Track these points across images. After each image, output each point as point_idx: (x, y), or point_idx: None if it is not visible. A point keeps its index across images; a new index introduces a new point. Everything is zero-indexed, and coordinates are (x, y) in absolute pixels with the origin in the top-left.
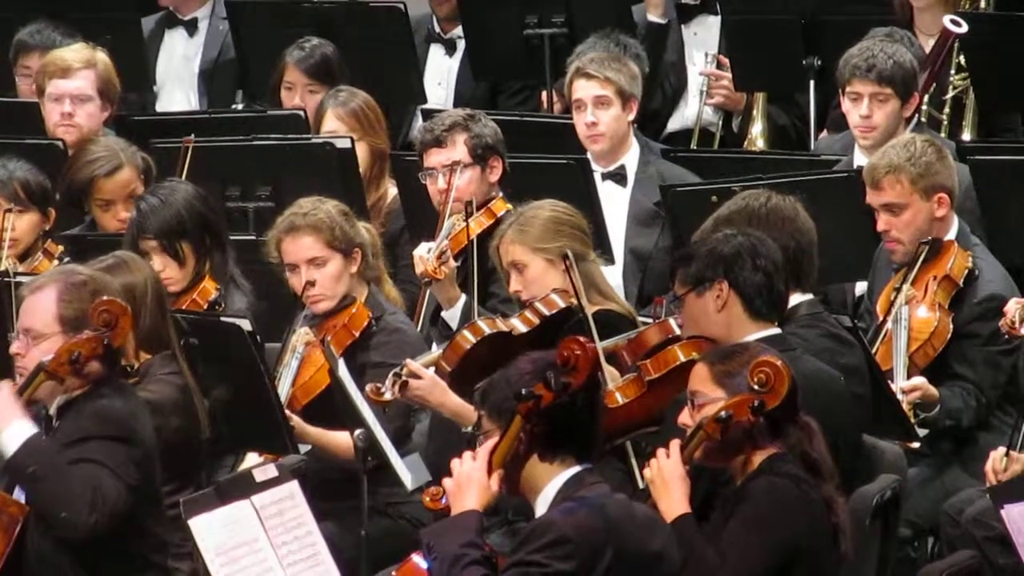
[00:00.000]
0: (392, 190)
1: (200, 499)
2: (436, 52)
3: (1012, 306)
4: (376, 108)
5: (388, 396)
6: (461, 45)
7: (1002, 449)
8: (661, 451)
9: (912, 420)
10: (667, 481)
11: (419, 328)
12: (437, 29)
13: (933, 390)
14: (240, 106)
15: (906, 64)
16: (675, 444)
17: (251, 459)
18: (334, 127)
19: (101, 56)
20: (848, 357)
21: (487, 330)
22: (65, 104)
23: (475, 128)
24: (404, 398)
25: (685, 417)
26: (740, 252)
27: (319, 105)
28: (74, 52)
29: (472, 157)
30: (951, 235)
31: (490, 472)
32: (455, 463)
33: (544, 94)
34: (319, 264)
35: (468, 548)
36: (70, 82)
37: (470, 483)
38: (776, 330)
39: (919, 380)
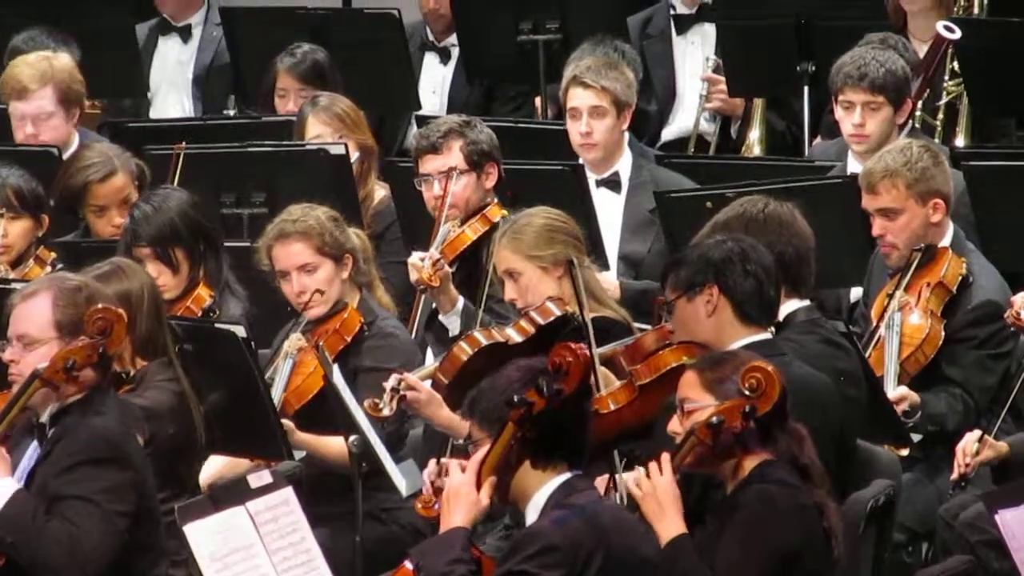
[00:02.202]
0: (380, 190)
1: (195, 505)
2: (430, 60)
3: (1021, 298)
4: (356, 109)
5: (386, 412)
6: (455, 53)
7: (977, 432)
8: (653, 467)
9: (901, 423)
10: (661, 500)
11: (413, 334)
12: (431, 37)
13: (915, 397)
14: (232, 112)
15: (898, 71)
16: (666, 459)
17: (213, 461)
18: (318, 132)
19: (59, 64)
20: (844, 362)
21: (483, 341)
22: (28, 126)
23: (471, 134)
24: (403, 409)
25: (674, 425)
26: (731, 257)
27: (299, 113)
28: (30, 69)
29: (468, 163)
30: (946, 241)
31: (480, 483)
32: (444, 472)
33: (539, 100)
34: (310, 270)
35: (454, 565)
36: (28, 104)
37: (458, 499)
38: (766, 335)
39: (902, 391)
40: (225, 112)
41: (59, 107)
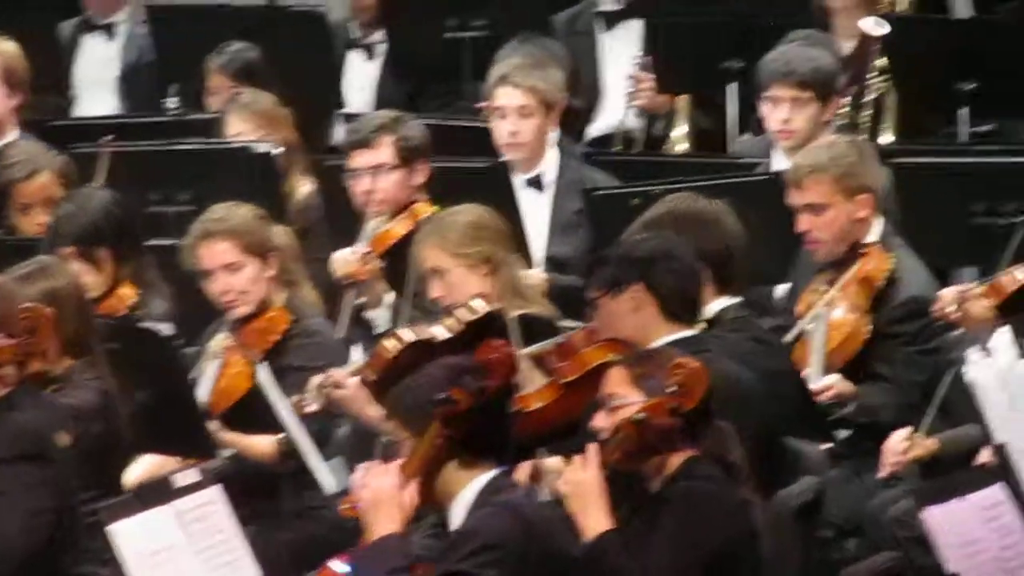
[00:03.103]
0: (304, 186)
1: (120, 505)
2: (356, 57)
3: (948, 293)
4: (278, 106)
5: (312, 408)
6: (381, 50)
7: (907, 430)
8: (577, 462)
9: (829, 420)
10: (585, 495)
11: (340, 330)
12: (356, 34)
13: (849, 387)
14: (174, 105)
15: (825, 67)
16: (592, 454)
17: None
18: (239, 129)
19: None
20: (772, 360)
21: (410, 337)
22: None
23: (402, 130)
24: (329, 406)
25: (599, 421)
26: (655, 255)
27: (220, 112)
28: None
29: (398, 159)
30: (874, 236)
31: (404, 484)
32: (364, 479)
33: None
34: (235, 269)
35: (395, 574)
36: None
37: (384, 503)
38: (691, 332)
39: (833, 378)
40: (166, 105)
41: (4, 84)
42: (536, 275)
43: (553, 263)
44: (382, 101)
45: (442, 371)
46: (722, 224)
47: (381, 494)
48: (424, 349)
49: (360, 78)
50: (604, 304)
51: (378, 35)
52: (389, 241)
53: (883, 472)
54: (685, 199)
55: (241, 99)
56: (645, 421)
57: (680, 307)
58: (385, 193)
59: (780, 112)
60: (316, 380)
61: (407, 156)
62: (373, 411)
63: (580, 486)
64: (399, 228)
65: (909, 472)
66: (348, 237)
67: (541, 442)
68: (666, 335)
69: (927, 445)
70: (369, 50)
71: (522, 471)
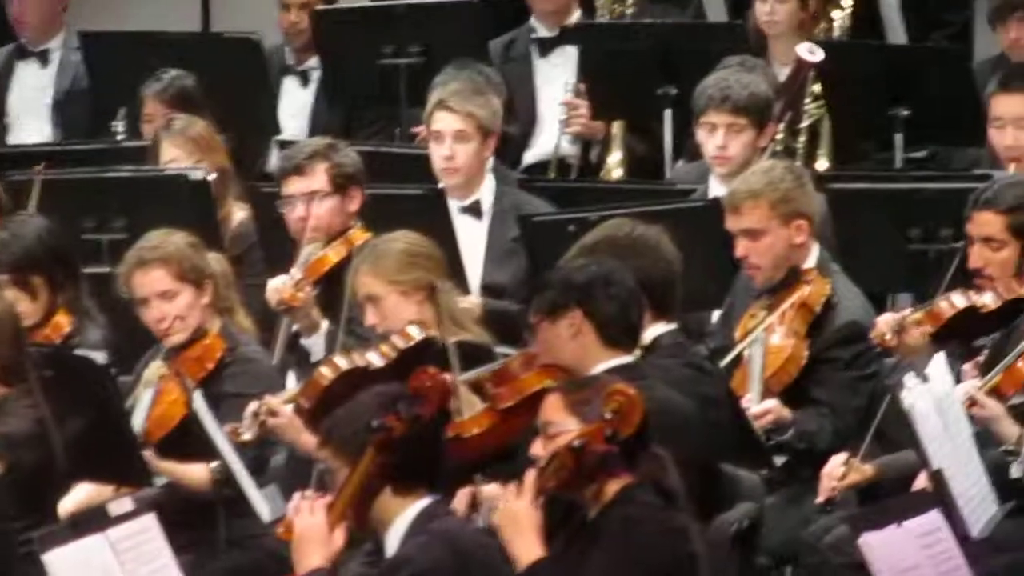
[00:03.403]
0: (239, 213)
1: (54, 533)
2: (291, 84)
3: (885, 318)
4: (212, 132)
5: (247, 436)
6: (315, 76)
7: (843, 455)
8: (511, 491)
9: (766, 445)
10: (518, 524)
11: (275, 357)
12: (291, 61)
13: (786, 412)
14: (121, 128)
15: (761, 94)
16: (528, 480)
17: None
18: (173, 155)
19: None
20: (709, 387)
21: (345, 365)
22: None
23: (336, 157)
24: (264, 434)
25: (537, 448)
26: (594, 281)
27: (153, 138)
28: None
29: (332, 186)
30: (811, 262)
31: (336, 518)
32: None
33: (404, 124)
34: (169, 297)
35: None
36: None
37: (311, 541)
38: (629, 358)
39: (770, 403)
40: (115, 129)
41: None
42: (470, 301)
43: (489, 290)
44: (316, 128)
45: (376, 399)
46: (660, 250)
47: (309, 531)
48: (358, 376)
49: (294, 104)
50: (543, 329)
51: (312, 61)
52: (324, 268)
53: (820, 497)
54: (623, 225)
55: (175, 125)
56: (582, 448)
57: (619, 333)
58: (319, 220)
59: (716, 138)
60: (251, 408)
61: (341, 183)
62: (308, 439)
63: (512, 516)
64: (334, 255)
65: (846, 498)
66: (283, 264)
67: (479, 468)
68: (605, 361)
69: (864, 471)
70: (304, 76)
71: (460, 498)
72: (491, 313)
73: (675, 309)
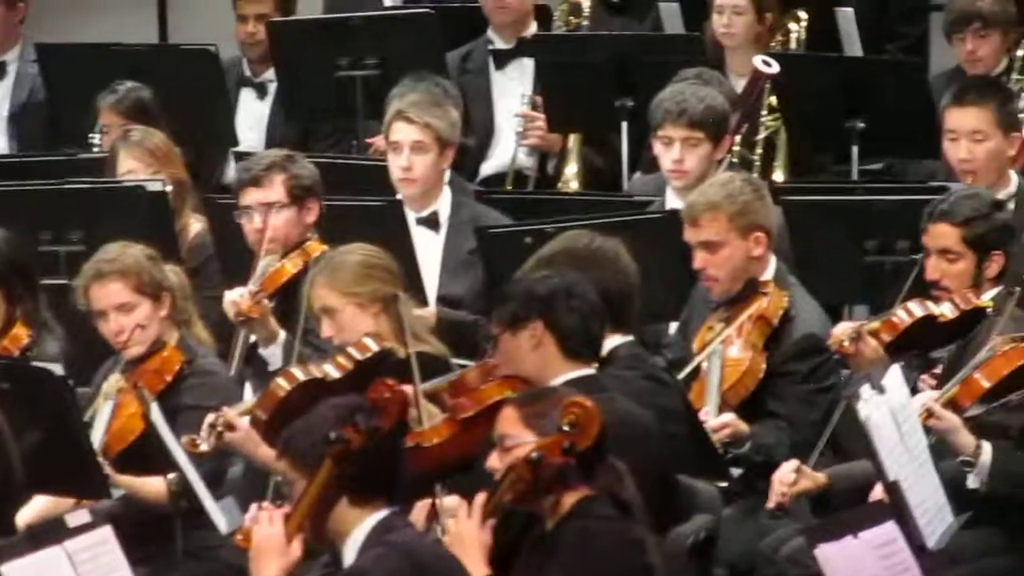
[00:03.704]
0: (195, 224)
1: (12, 546)
2: (247, 96)
3: (842, 327)
4: (169, 143)
5: (204, 448)
6: (272, 88)
7: (795, 463)
8: (463, 510)
9: (723, 457)
10: (463, 544)
11: (233, 369)
12: (248, 72)
13: (743, 426)
14: (98, 138)
15: (717, 107)
16: (478, 501)
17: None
18: (130, 167)
19: None
20: (666, 398)
21: (301, 377)
22: None
23: (293, 169)
24: (221, 447)
25: (493, 461)
26: (555, 293)
27: (111, 149)
28: None
29: (289, 197)
30: (768, 274)
31: (293, 529)
32: (253, 525)
33: (380, 140)
34: (128, 310)
35: None
36: None
37: (267, 552)
38: (590, 371)
39: (727, 416)
40: (91, 139)
41: None
42: (426, 311)
43: (446, 302)
44: (273, 139)
45: (334, 410)
46: (618, 262)
47: (267, 541)
48: (315, 388)
49: (251, 116)
50: (504, 340)
51: (269, 73)
52: (281, 280)
53: (770, 503)
54: (582, 237)
55: (132, 136)
56: (540, 460)
57: (580, 345)
58: (276, 231)
59: (673, 152)
60: (208, 420)
61: (298, 194)
62: (264, 452)
63: (458, 536)
64: (291, 267)
65: (799, 507)
66: (240, 276)
67: (438, 478)
68: (565, 373)
69: (815, 478)
70: (261, 88)
71: (418, 510)
72: (447, 323)
73: (633, 321)
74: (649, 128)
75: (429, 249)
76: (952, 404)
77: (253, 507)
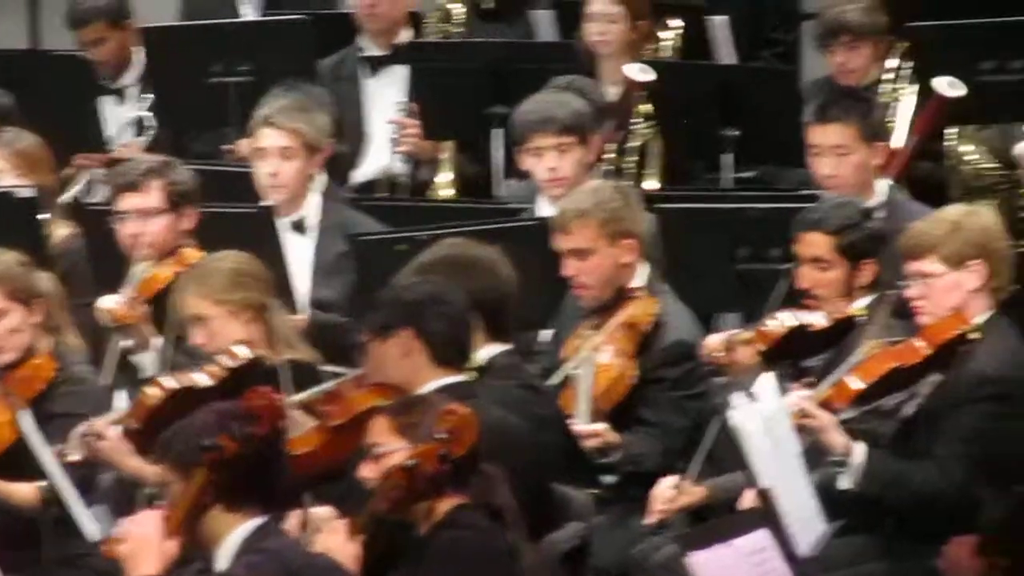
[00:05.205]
0: (62, 230)
1: None
2: (108, 102)
3: (715, 337)
4: (41, 147)
5: (75, 457)
6: (133, 93)
7: (674, 479)
8: (328, 531)
9: (595, 465)
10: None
11: (106, 376)
12: (107, 79)
13: (614, 435)
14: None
15: (581, 110)
16: (343, 523)
17: None
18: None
19: None
20: (542, 407)
21: (173, 385)
22: None
23: (171, 175)
24: (91, 457)
25: (365, 470)
26: (425, 300)
27: None
28: None
29: (166, 203)
30: (639, 282)
31: (169, 531)
32: (129, 524)
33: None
34: None
35: None
36: None
37: (143, 549)
38: (461, 378)
39: (599, 426)
40: None
41: None
42: (298, 318)
43: (317, 306)
44: (139, 122)
45: (211, 417)
46: (496, 271)
47: (142, 540)
48: (187, 396)
49: (114, 123)
50: (374, 348)
51: (125, 78)
52: (156, 286)
53: (651, 519)
54: (460, 245)
55: (3, 137)
56: (415, 468)
57: (450, 353)
58: (153, 237)
59: (547, 161)
60: (79, 430)
61: (176, 201)
62: (134, 462)
63: (332, 553)
64: (166, 273)
65: (676, 519)
66: (114, 282)
67: (309, 486)
68: (435, 380)
69: (695, 492)
70: (120, 95)
71: (292, 518)
72: (317, 325)
73: (510, 330)
74: (515, 142)
75: (299, 254)
76: (825, 405)
77: (123, 522)
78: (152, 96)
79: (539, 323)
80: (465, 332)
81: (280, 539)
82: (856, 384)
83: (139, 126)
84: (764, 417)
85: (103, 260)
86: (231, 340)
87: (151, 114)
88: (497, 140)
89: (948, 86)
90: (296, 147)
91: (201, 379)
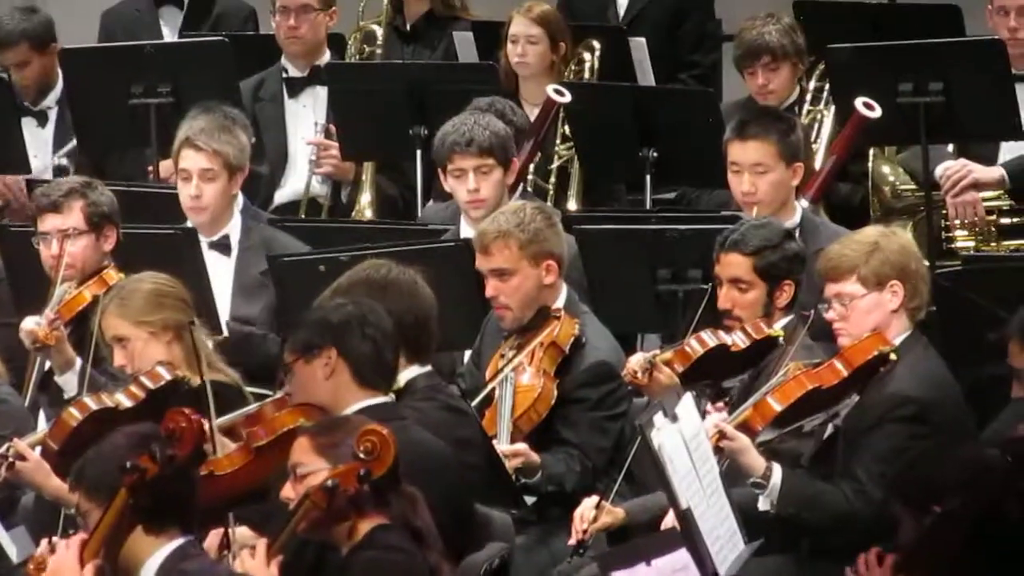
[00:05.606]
0: None
1: None
2: (28, 124)
3: (636, 358)
4: None
5: None
6: (52, 115)
7: (594, 499)
8: (246, 553)
9: (516, 485)
10: None
11: (27, 396)
12: (26, 101)
13: (535, 456)
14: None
15: (501, 132)
16: (262, 545)
17: None
18: None
19: None
20: (464, 429)
21: (93, 406)
22: None
23: (92, 196)
24: (11, 478)
25: (287, 491)
26: (349, 320)
27: None
28: None
29: (88, 224)
30: (560, 302)
31: (89, 557)
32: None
33: (162, 164)
34: None
35: None
36: None
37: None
38: (385, 399)
39: (520, 446)
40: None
41: None
42: (220, 338)
43: (238, 323)
44: (59, 167)
45: (129, 439)
46: (416, 292)
47: (63, 566)
48: (107, 417)
49: (34, 145)
50: (298, 368)
51: (48, 100)
52: (77, 307)
53: (572, 540)
54: (379, 267)
55: None
56: (335, 488)
57: (374, 373)
58: (74, 258)
59: (468, 182)
60: None
61: (97, 221)
62: (54, 484)
63: (252, 574)
64: (88, 294)
65: (596, 539)
66: (34, 303)
67: (231, 506)
68: (359, 401)
69: (615, 513)
70: (40, 117)
71: (211, 539)
72: (236, 336)
73: (430, 351)
74: (436, 163)
75: (221, 273)
76: (744, 427)
77: (43, 543)
78: (72, 145)
79: (460, 344)
80: (390, 353)
81: (200, 560)
82: (776, 405)
83: (60, 172)
84: (684, 437)
85: (24, 281)
86: (152, 361)
87: (67, 161)
88: (418, 161)
89: (865, 107)
90: (218, 168)
91: (122, 400)
